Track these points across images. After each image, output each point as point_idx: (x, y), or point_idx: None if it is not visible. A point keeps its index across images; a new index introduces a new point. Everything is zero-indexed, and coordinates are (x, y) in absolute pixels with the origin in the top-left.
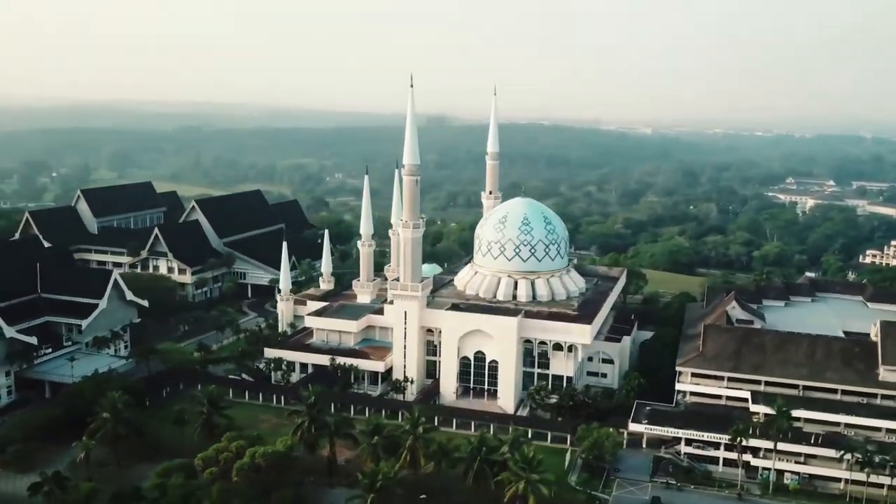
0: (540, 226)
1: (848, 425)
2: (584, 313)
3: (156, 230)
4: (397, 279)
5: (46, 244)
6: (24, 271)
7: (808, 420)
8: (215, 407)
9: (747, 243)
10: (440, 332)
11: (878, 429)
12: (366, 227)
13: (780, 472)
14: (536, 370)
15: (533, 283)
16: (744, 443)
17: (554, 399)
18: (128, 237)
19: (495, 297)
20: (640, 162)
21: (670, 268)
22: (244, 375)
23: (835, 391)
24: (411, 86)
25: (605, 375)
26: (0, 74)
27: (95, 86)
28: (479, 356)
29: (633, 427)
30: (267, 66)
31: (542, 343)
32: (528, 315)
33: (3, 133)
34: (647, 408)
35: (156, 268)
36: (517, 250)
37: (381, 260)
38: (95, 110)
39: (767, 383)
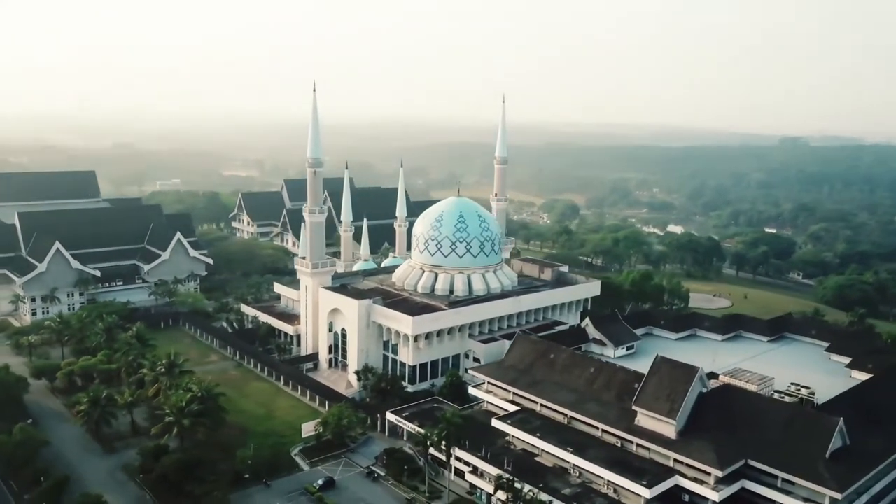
0: (450, 223)
1: (575, 466)
2: (449, 309)
3: (283, 212)
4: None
5: (247, 221)
6: (143, 228)
7: (545, 451)
8: (110, 333)
9: None
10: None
11: (601, 478)
12: (346, 214)
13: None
14: (390, 355)
15: (436, 276)
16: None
17: (365, 382)
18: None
19: (403, 285)
20: None
21: (835, 302)
22: (235, 324)
23: (597, 427)
24: (314, 90)
25: None
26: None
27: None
28: (344, 333)
29: (390, 417)
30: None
31: (389, 330)
32: (391, 305)
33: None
34: (435, 405)
35: (285, 240)
36: (426, 244)
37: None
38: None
39: (543, 405)
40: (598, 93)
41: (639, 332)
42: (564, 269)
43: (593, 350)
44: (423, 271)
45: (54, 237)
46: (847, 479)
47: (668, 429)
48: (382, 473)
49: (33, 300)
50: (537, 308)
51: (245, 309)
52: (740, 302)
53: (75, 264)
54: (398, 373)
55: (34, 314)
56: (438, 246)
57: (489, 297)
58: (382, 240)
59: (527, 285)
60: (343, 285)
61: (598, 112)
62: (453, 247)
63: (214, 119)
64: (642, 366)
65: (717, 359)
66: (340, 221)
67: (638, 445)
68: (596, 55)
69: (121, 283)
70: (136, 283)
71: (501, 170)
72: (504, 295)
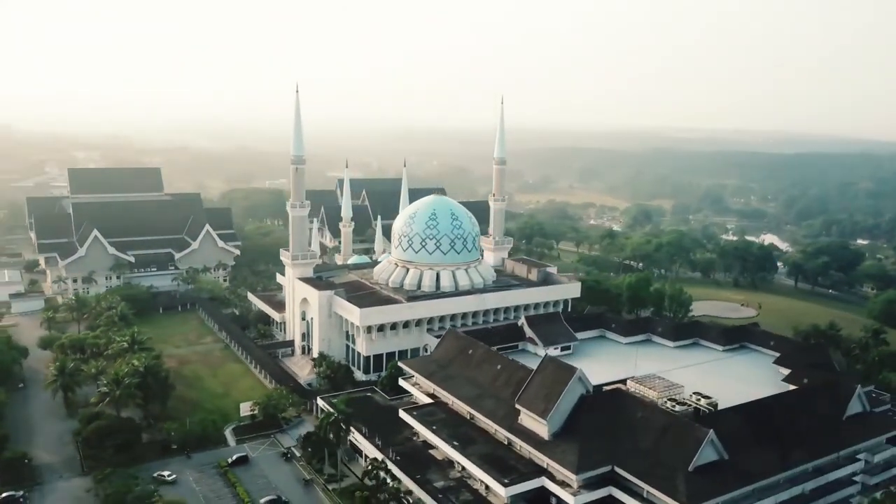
0: (422, 221)
1: (457, 461)
2: (405, 303)
3: (322, 208)
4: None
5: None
6: (184, 221)
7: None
8: (109, 308)
9: None
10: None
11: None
12: (346, 210)
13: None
14: (351, 344)
15: (407, 271)
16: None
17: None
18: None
19: (378, 279)
20: None
21: (883, 317)
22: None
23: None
24: (297, 91)
25: None
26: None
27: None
28: (312, 321)
29: (320, 402)
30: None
31: (348, 320)
32: (354, 297)
33: (541, 148)
34: (368, 394)
35: (324, 235)
36: (400, 240)
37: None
38: (630, 134)
39: (454, 400)
40: (717, 98)
41: (591, 334)
42: (552, 270)
43: (528, 349)
44: (397, 266)
45: (101, 226)
46: (701, 494)
47: (543, 429)
48: (298, 454)
49: (74, 281)
50: (508, 307)
51: (250, 297)
52: (762, 312)
53: (111, 250)
54: (356, 362)
55: (76, 293)
56: (410, 242)
57: (454, 294)
58: None
59: (504, 284)
60: (319, 276)
61: (714, 118)
62: (423, 243)
63: (343, 123)
64: (582, 367)
65: (639, 363)
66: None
67: (520, 445)
68: (716, 59)
69: (154, 268)
70: (169, 270)
71: (500, 170)
72: (467, 292)
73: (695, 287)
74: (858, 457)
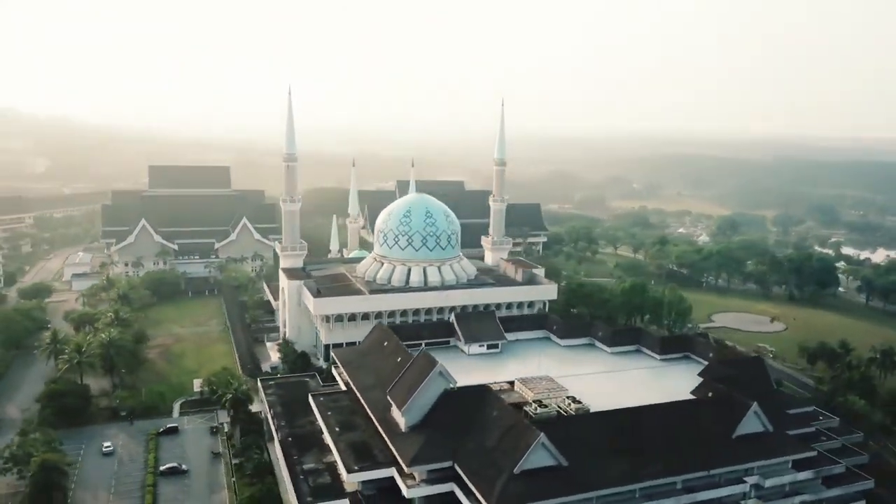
0: (396, 218)
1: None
2: (367, 295)
3: (366, 207)
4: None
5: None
6: (234, 213)
7: None
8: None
9: None
10: None
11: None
12: (353, 208)
13: None
14: (317, 332)
15: (381, 266)
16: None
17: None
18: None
19: (357, 273)
20: None
21: None
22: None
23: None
24: (289, 93)
25: None
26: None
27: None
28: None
29: (259, 384)
30: None
31: None
32: (326, 288)
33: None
34: (306, 379)
35: (369, 231)
36: (377, 236)
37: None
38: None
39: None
40: (861, 103)
41: (535, 334)
42: (539, 271)
43: (459, 345)
44: (374, 261)
45: (159, 217)
46: (517, 498)
47: (402, 421)
48: (226, 429)
49: (126, 264)
50: (478, 304)
51: (264, 286)
52: (791, 328)
53: (157, 238)
54: (322, 351)
55: (127, 276)
56: (385, 238)
57: (417, 289)
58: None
59: (478, 282)
60: (302, 268)
61: (857, 126)
62: (396, 239)
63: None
64: (498, 366)
65: (542, 365)
66: None
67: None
68: (861, 61)
69: (197, 256)
70: (209, 258)
71: (500, 171)
72: (434, 288)
73: (740, 299)
74: (745, 479)
